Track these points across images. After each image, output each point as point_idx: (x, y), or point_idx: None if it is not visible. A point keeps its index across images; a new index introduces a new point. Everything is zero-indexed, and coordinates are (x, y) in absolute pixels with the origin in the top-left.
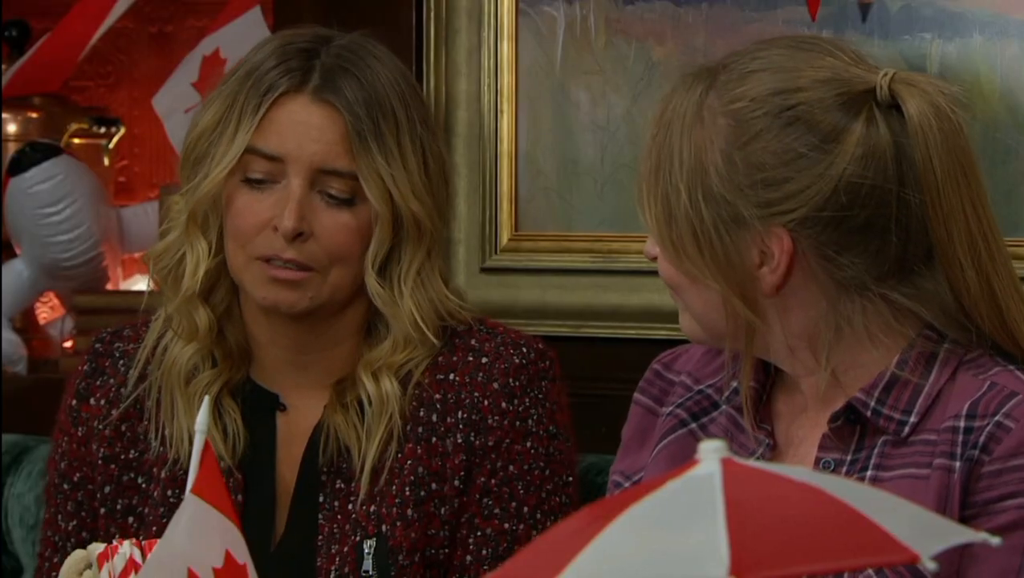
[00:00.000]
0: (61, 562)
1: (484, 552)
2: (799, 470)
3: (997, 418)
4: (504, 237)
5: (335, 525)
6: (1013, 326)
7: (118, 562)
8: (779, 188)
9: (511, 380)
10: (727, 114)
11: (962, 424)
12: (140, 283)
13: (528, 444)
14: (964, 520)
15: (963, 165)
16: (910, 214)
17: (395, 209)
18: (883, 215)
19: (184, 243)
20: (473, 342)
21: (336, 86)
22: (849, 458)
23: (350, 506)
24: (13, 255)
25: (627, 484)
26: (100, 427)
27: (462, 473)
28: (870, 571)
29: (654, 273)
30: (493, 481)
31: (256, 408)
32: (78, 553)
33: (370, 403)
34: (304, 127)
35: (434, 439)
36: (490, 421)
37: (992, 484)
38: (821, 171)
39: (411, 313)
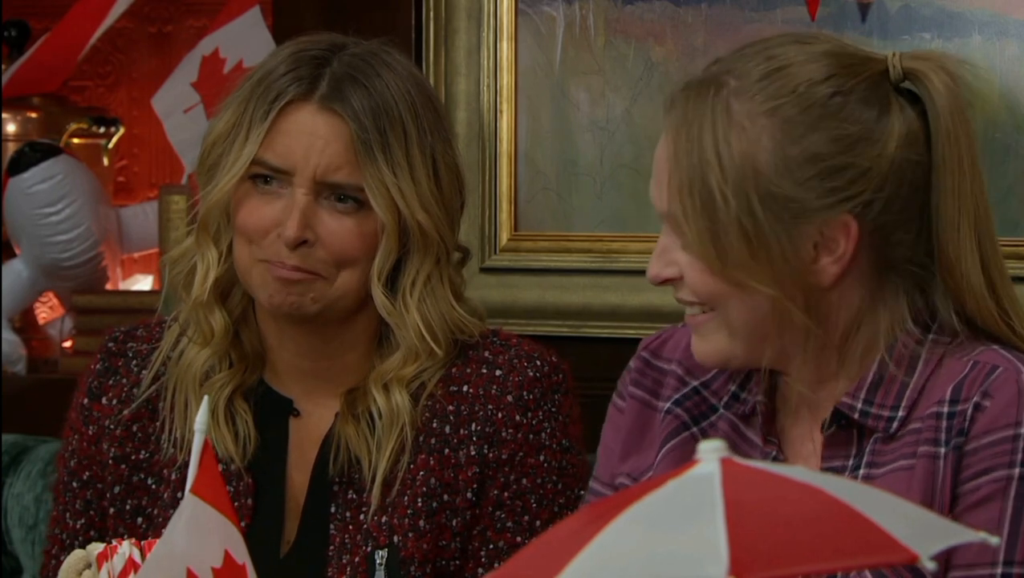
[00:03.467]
0: None
1: (496, 565)
2: (798, 470)
3: (975, 398)
4: (503, 237)
5: (346, 535)
6: (1008, 310)
7: (117, 562)
8: (842, 174)
9: (525, 393)
10: (768, 113)
11: (946, 409)
12: (140, 283)
13: (541, 457)
14: (952, 504)
15: (973, 141)
16: (940, 190)
17: (401, 220)
18: (924, 190)
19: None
20: (486, 354)
21: (343, 95)
22: (850, 464)
23: (362, 516)
24: (13, 255)
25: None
26: (111, 427)
27: (475, 486)
28: (867, 572)
29: None
30: (506, 494)
31: (269, 412)
32: (77, 553)
33: (380, 416)
34: (310, 137)
35: (447, 451)
36: (504, 434)
37: (970, 462)
38: (879, 151)
39: (417, 325)
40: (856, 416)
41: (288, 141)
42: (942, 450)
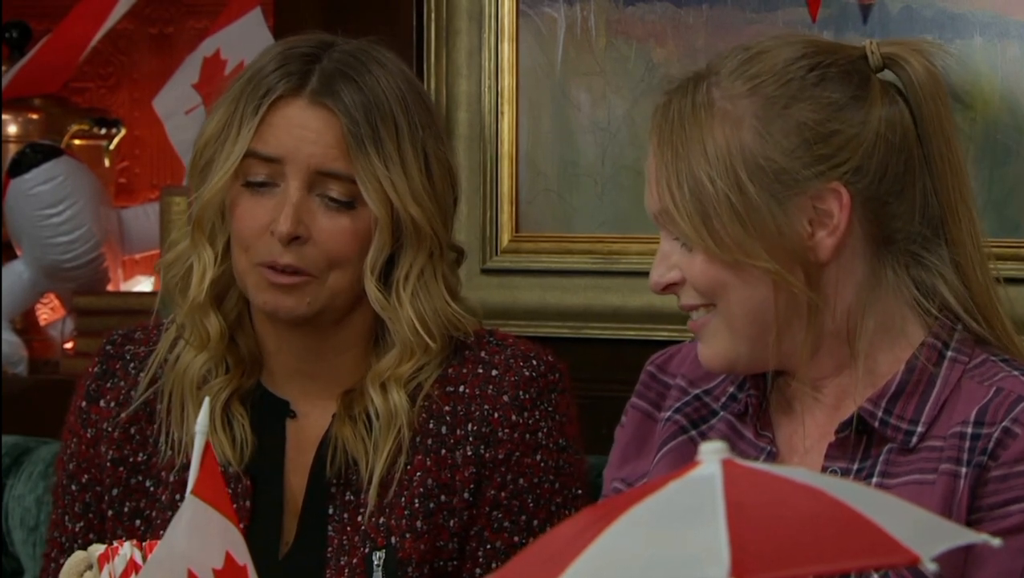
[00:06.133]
0: None
1: (493, 565)
2: (799, 471)
3: (1005, 424)
4: (505, 238)
5: (344, 537)
6: (993, 301)
7: (118, 563)
8: (828, 141)
9: (521, 393)
10: (749, 93)
11: (970, 430)
12: (141, 284)
13: (538, 457)
14: (970, 525)
15: (952, 124)
16: (929, 171)
17: (394, 214)
18: (914, 163)
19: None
20: (483, 354)
21: (334, 90)
22: (855, 467)
23: (359, 518)
24: (14, 256)
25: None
26: (109, 429)
27: (472, 486)
28: (875, 574)
29: None
30: (503, 494)
31: (266, 414)
32: (78, 554)
33: (378, 417)
34: (301, 130)
35: (443, 451)
36: (500, 434)
37: (998, 489)
38: (863, 118)
39: (410, 319)
40: (876, 424)
41: (279, 134)
42: (963, 470)
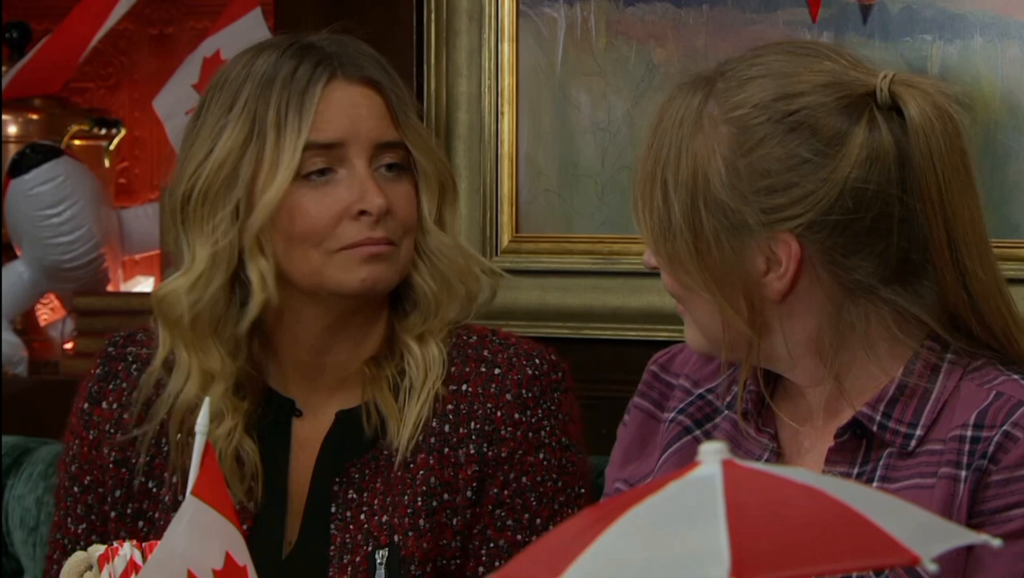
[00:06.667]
0: None
1: (496, 563)
2: (800, 472)
3: (1005, 428)
4: (505, 239)
5: (347, 535)
6: (999, 331)
7: (118, 564)
8: (785, 193)
9: (524, 391)
10: (729, 121)
11: (969, 433)
12: (141, 285)
13: (541, 456)
14: (970, 528)
15: (963, 167)
16: (912, 216)
17: (438, 169)
18: (887, 217)
19: (202, 282)
20: (486, 353)
21: (360, 65)
22: (855, 471)
23: (362, 516)
24: (14, 257)
25: None
26: (111, 431)
27: (474, 484)
28: (871, 574)
29: (655, 275)
30: (506, 493)
31: (272, 414)
32: (79, 554)
33: (415, 365)
34: (353, 108)
35: (447, 450)
36: (503, 432)
37: (999, 493)
38: (826, 175)
39: (437, 263)
40: (874, 428)
41: (332, 119)
42: (963, 473)
